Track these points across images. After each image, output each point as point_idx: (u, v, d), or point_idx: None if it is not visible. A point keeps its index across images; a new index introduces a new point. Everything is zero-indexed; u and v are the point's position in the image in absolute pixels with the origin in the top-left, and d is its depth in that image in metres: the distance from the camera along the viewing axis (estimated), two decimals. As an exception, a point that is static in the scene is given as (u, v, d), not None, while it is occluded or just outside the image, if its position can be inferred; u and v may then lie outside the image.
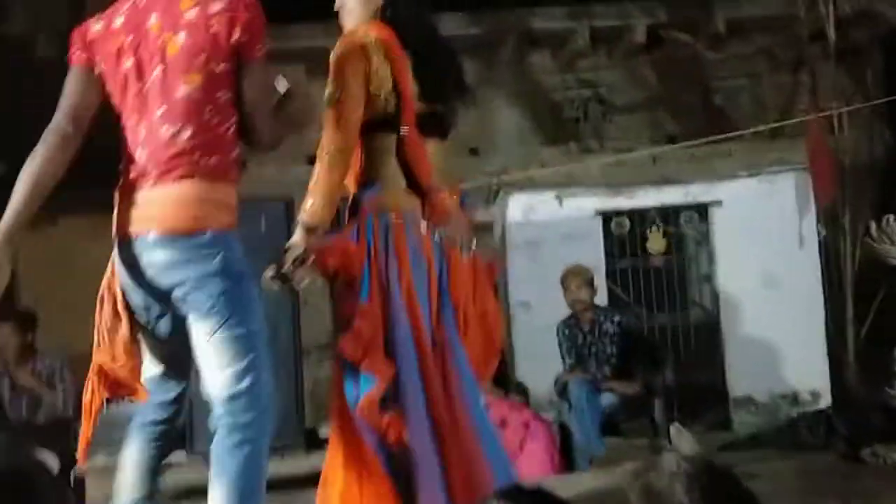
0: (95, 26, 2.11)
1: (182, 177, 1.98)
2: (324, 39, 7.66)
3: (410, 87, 2.33)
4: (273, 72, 2.12)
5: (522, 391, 5.82)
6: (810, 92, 7.21)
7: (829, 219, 6.31)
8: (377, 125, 2.32)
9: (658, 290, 6.26)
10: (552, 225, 6.53)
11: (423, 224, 2.35)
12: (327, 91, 2.27)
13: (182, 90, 1.96)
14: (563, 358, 5.19)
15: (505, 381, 5.99)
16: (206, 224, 2.00)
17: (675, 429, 4.73)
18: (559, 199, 6.62)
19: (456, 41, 8.15)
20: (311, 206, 2.24)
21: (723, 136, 6.48)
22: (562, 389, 5.01)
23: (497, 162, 7.66)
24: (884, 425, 4.93)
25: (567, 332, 5.20)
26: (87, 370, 2.21)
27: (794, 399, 5.94)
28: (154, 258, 2.01)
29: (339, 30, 2.46)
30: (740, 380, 6.01)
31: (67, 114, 2.08)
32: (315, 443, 3.77)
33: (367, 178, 2.36)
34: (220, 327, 1.99)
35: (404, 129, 2.31)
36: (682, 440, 4.72)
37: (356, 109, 2.26)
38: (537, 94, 8.19)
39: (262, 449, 2.01)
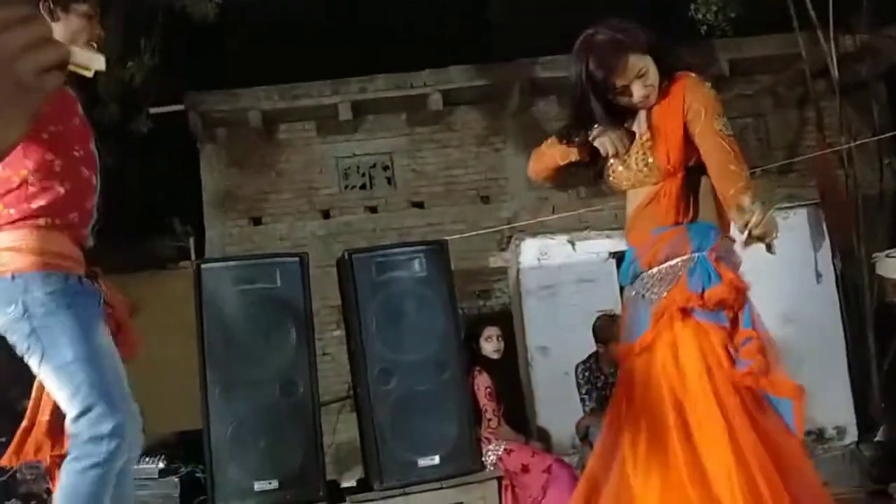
0: None
1: None
2: (330, 98, 7.94)
3: None
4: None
5: (544, 436, 5.76)
6: (817, 128, 7.25)
7: (844, 253, 6.27)
8: (703, 168, 2.40)
9: (676, 330, 6.21)
10: (566, 269, 6.53)
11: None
12: (721, 125, 2.35)
13: None
14: (582, 401, 5.10)
15: (526, 426, 5.94)
16: (8, 269, 2.14)
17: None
18: (572, 243, 6.63)
19: (463, 92, 8.25)
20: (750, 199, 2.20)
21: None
22: (584, 433, 4.95)
23: (508, 208, 7.71)
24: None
25: (587, 374, 5.10)
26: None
27: (820, 435, 5.84)
28: None
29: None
30: (764, 418, 5.91)
31: None
32: (337, 495, 3.74)
33: (702, 216, 2.43)
34: (40, 363, 2.13)
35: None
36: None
37: None
38: (545, 141, 8.26)
39: (100, 473, 2.06)
